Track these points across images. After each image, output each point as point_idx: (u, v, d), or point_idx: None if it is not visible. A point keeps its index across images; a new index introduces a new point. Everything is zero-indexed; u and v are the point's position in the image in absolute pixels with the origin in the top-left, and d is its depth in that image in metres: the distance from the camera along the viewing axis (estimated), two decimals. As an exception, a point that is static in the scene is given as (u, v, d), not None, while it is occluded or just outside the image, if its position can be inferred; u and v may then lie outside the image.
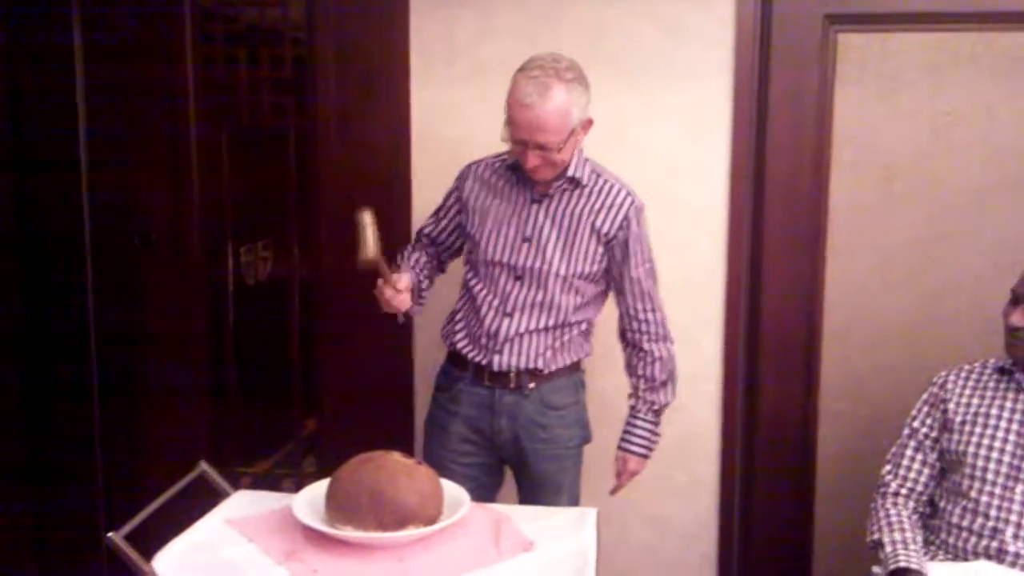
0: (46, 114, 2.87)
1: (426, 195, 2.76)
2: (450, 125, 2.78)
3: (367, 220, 2.09)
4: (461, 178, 2.40)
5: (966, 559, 2.11)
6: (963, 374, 2.24)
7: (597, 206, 2.29)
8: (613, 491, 2.48)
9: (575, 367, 2.39)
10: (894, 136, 2.74)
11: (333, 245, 2.86)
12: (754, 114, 2.72)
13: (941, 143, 2.73)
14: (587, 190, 2.29)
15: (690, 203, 2.75)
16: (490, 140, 2.60)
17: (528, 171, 2.21)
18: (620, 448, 2.43)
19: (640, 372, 2.39)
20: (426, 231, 2.48)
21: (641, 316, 2.36)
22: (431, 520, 1.79)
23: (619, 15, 2.70)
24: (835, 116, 2.74)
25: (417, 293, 2.34)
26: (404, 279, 2.23)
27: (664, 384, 2.40)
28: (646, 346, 2.38)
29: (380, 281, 2.20)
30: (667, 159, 2.74)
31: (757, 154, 2.75)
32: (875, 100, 2.73)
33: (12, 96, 2.84)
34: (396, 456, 1.87)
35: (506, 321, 2.30)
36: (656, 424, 2.41)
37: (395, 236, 2.79)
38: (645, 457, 2.42)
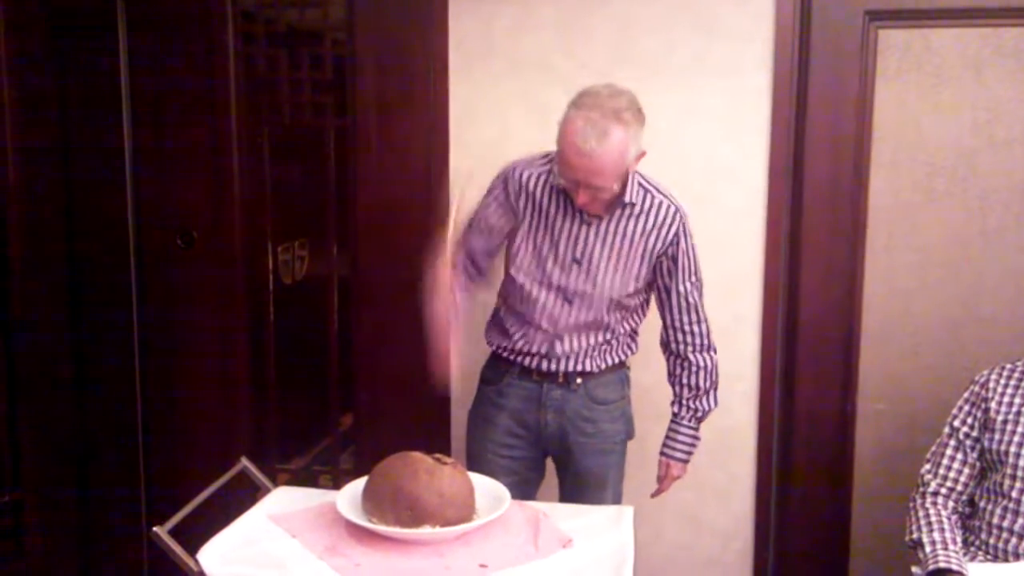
0: (91, 118, 2.92)
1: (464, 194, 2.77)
2: (488, 123, 2.78)
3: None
4: (507, 185, 2.29)
5: (1007, 560, 2.09)
6: (1005, 373, 2.22)
7: (648, 226, 2.25)
8: (655, 494, 2.49)
9: (621, 364, 2.40)
10: (935, 133, 2.71)
11: (370, 243, 2.88)
12: (793, 112, 2.71)
13: (983, 139, 2.70)
14: (637, 209, 2.25)
15: (728, 202, 2.74)
16: (528, 138, 2.62)
17: (578, 206, 2.18)
18: (664, 455, 2.43)
19: (684, 381, 2.39)
20: (475, 249, 2.34)
21: (686, 328, 2.34)
22: (449, 521, 1.80)
23: (656, 12, 2.69)
24: (875, 113, 2.71)
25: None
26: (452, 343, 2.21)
27: (708, 392, 2.40)
28: (691, 356, 2.37)
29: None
30: (705, 157, 2.73)
31: (796, 152, 2.73)
32: (916, 96, 2.70)
33: (59, 100, 2.89)
34: (422, 455, 1.89)
35: (557, 342, 2.29)
36: (698, 430, 2.42)
37: (433, 237, 2.81)
38: (687, 462, 2.43)
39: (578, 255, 2.25)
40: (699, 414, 2.40)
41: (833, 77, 2.68)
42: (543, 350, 2.30)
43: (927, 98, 2.70)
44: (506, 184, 2.30)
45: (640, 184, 2.26)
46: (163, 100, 2.91)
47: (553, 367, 2.31)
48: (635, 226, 2.25)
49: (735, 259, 2.76)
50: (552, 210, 2.25)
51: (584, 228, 2.25)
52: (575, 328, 2.28)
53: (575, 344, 2.30)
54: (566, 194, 2.23)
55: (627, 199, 2.21)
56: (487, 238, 2.34)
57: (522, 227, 2.27)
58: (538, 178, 2.27)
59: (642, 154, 2.15)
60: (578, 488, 2.39)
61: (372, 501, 1.86)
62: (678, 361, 2.39)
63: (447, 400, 2.91)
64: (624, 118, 2.05)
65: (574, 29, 2.72)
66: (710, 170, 2.73)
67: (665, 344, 2.41)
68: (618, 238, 2.25)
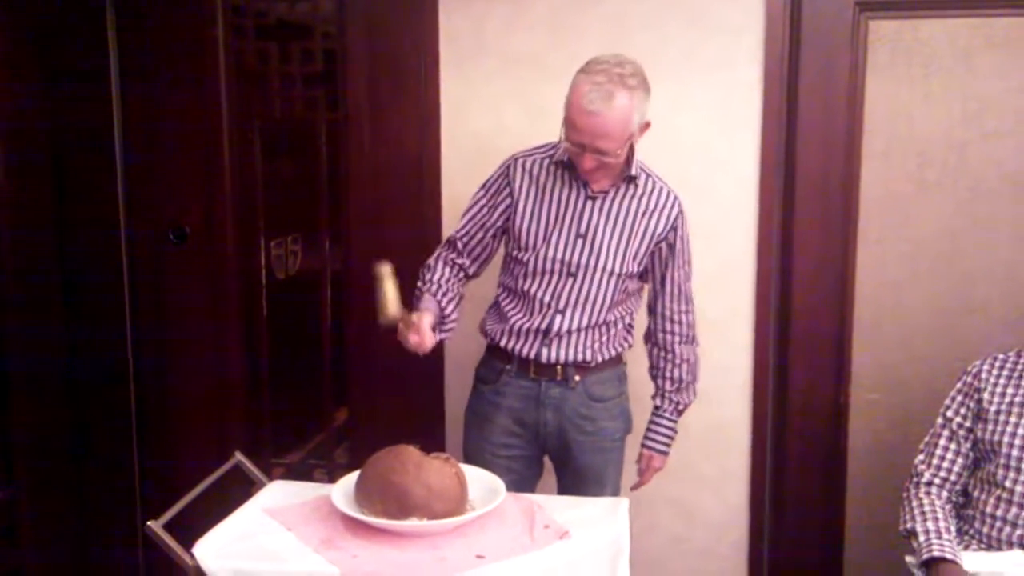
0: (81, 113, 2.91)
1: (456, 189, 2.77)
2: (480, 118, 2.78)
3: (386, 274, 2.10)
4: (508, 172, 2.33)
5: (1000, 549, 2.10)
6: (997, 363, 2.23)
7: (651, 207, 2.29)
8: (636, 487, 2.51)
9: (618, 359, 2.41)
10: (926, 123, 2.71)
11: (363, 238, 2.88)
12: (784, 103, 2.71)
13: (974, 130, 2.70)
14: (639, 190, 2.29)
15: (720, 193, 2.74)
16: (520, 133, 2.62)
17: (584, 173, 2.21)
18: (645, 447, 2.46)
19: (668, 374, 2.43)
20: (459, 237, 2.37)
21: (676, 317, 2.38)
22: (436, 514, 1.81)
23: (647, 6, 2.69)
24: (866, 104, 2.71)
25: (440, 321, 2.27)
26: (426, 319, 2.17)
27: (689, 385, 2.45)
28: (677, 349, 2.41)
29: (401, 326, 2.16)
30: (697, 150, 2.73)
31: (787, 143, 2.73)
32: (907, 87, 2.71)
33: (49, 96, 2.87)
34: (413, 449, 1.90)
35: (558, 318, 2.29)
36: (677, 422, 2.46)
37: (425, 231, 2.83)
38: (667, 454, 2.47)
39: (583, 230, 2.27)
40: (680, 407, 2.45)
41: (824, 69, 2.68)
42: (543, 325, 2.30)
43: (918, 89, 2.70)
44: (507, 171, 2.33)
45: (642, 168, 2.31)
46: (153, 95, 2.90)
47: (552, 355, 2.31)
48: (637, 206, 2.29)
49: (727, 251, 2.76)
50: (556, 187, 2.29)
51: (589, 203, 2.27)
52: (576, 304, 2.29)
53: (575, 320, 2.29)
54: (570, 171, 2.26)
55: (632, 172, 2.25)
56: (477, 238, 2.36)
57: (524, 208, 2.30)
58: (541, 162, 2.31)
59: (647, 125, 2.20)
60: (577, 486, 2.39)
61: (362, 493, 1.87)
62: (662, 354, 2.42)
63: (441, 395, 2.91)
64: (629, 83, 2.10)
65: (566, 26, 2.72)
66: (702, 163, 2.73)
67: (651, 336, 2.44)
68: (621, 215, 2.28)
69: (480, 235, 2.36)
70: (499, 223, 2.34)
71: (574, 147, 2.15)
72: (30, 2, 2.80)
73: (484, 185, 2.37)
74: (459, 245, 2.37)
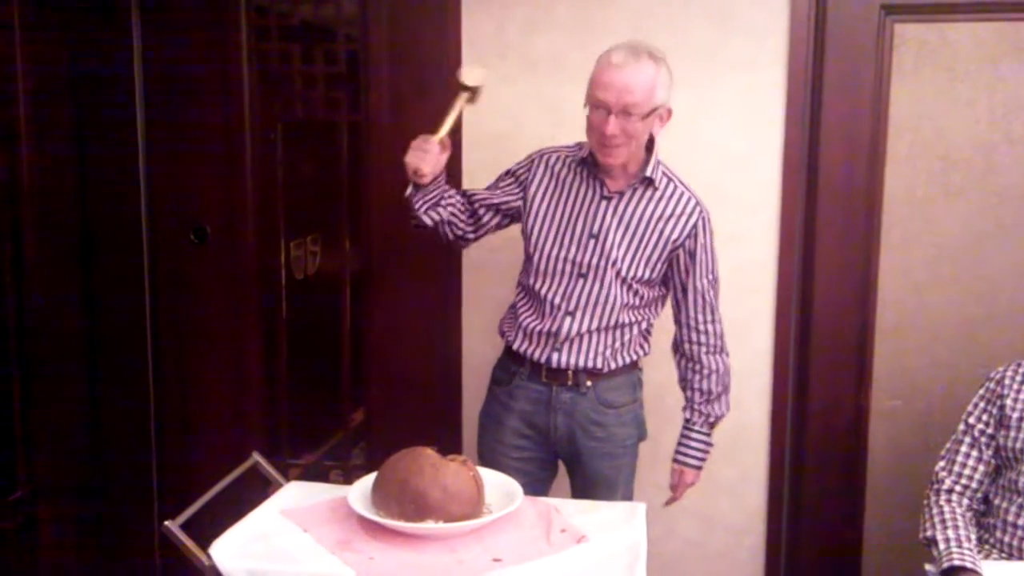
0: (105, 114, 2.93)
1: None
2: (500, 120, 2.77)
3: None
4: (530, 163, 2.35)
5: (1022, 558, 2.08)
6: (1021, 369, 2.20)
7: (667, 212, 2.27)
8: (668, 503, 2.48)
9: (633, 366, 2.38)
10: (951, 128, 2.70)
11: (383, 239, 2.89)
12: (808, 105, 2.70)
13: (999, 134, 2.68)
14: (658, 193, 2.27)
15: (742, 196, 2.73)
16: (541, 135, 2.62)
17: (604, 142, 2.16)
18: (676, 461, 2.41)
19: (696, 385, 2.38)
20: (469, 191, 2.42)
21: (701, 327, 2.34)
22: (453, 517, 1.81)
23: (670, 6, 2.68)
24: (891, 107, 2.70)
25: (438, 197, 2.29)
26: (448, 141, 2.24)
27: (719, 396, 2.38)
28: (704, 359, 2.35)
29: (423, 137, 2.23)
30: (719, 151, 2.72)
31: (810, 146, 2.72)
32: (932, 91, 2.69)
33: (72, 96, 2.90)
34: (430, 451, 1.90)
35: (568, 320, 2.28)
36: (710, 435, 2.40)
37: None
38: (700, 469, 2.41)
39: (595, 230, 2.26)
40: (711, 419, 2.38)
41: (848, 71, 2.67)
42: (553, 328, 2.29)
43: (943, 93, 2.68)
44: (531, 165, 2.35)
45: (664, 173, 2.29)
46: (176, 96, 2.92)
47: (562, 361, 2.30)
48: (654, 209, 2.27)
49: (748, 254, 2.75)
50: (573, 184, 2.29)
51: (603, 203, 2.27)
52: (587, 306, 2.28)
53: (585, 323, 2.28)
54: (589, 171, 2.27)
55: (648, 172, 2.24)
56: (482, 202, 2.38)
57: (539, 204, 2.30)
58: (564, 159, 2.32)
59: (669, 113, 2.21)
60: (588, 490, 2.38)
61: (379, 495, 1.87)
62: (690, 364, 2.38)
63: (458, 397, 2.92)
64: (656, 55, 2.15)
65: (588, 26, 2.71)
66: (724, 164, 2.72)
67: (678, 347, 2.40)
68: (635, 218, 2.26)
69: (484, 200, 2.37)
70: (500, 206, 2.36)
71: (598, 112, 2.13)
72: (57, 9, 2.82)
73: (508, 169, 2.39)
74: (474, 198, 2.39)
